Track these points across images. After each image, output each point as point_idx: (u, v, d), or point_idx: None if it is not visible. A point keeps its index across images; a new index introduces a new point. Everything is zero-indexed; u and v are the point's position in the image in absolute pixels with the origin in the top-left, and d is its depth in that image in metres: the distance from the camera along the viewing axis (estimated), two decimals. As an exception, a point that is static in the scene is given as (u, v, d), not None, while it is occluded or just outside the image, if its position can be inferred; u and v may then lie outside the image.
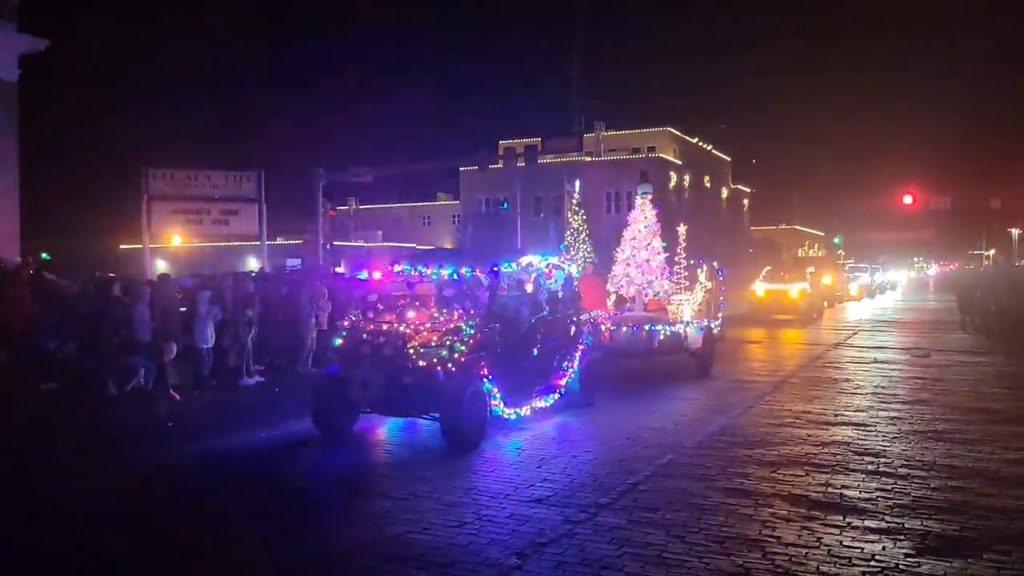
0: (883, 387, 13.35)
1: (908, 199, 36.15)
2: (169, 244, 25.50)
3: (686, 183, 57.05)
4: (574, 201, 38.80)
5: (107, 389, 11.74)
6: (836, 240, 68.83)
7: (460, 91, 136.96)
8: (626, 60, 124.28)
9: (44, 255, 21.64)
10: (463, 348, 8.99)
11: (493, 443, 9.09)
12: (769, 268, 31.75)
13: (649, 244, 15.72)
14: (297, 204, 28.27)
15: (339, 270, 23.88)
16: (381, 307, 10.30)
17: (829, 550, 5.89)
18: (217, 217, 24.15)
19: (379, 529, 6.30)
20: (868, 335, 23.01)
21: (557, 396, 10.76)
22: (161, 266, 25.63)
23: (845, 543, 6.03)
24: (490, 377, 9.23)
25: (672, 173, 55.09)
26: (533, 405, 10.28)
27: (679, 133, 58.94)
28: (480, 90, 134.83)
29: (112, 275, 17.91)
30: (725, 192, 67.67)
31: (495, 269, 9.95)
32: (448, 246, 52.75)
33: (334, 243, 31.03)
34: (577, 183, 40.42)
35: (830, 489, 7.42)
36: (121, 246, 41.31)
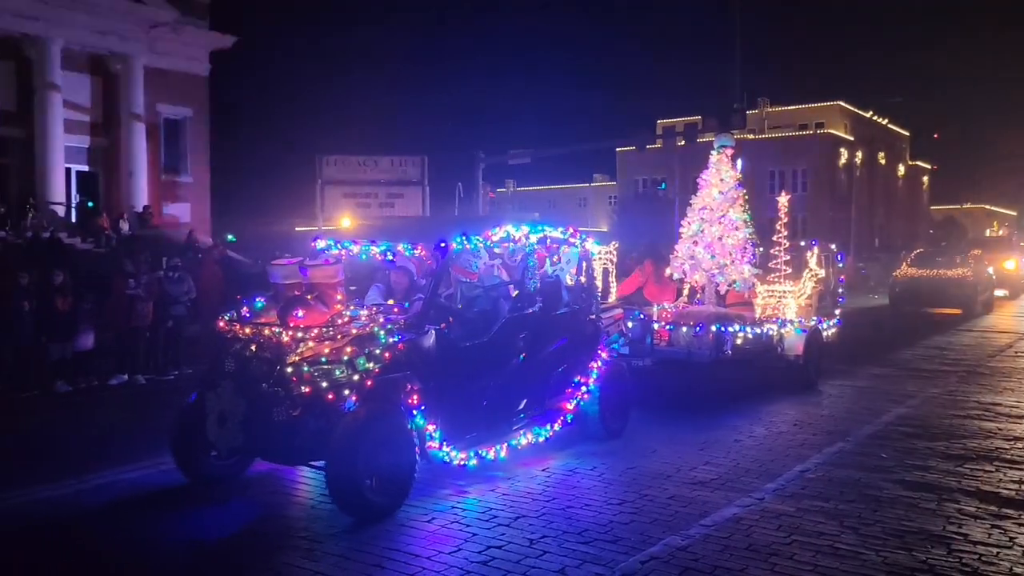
0: (1087, 380, 12.13)
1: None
2: (339, 226, 27.00)
3: (858, 160, 53.89)
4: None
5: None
6: (1030, 220, 62.99)
7: (618, 70, 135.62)
8: (793, 30, 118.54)
9: (230, 237, 23.45)
10: (371, 365, 6.15)
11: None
12: (920, 251, 27.39)
13: (724, 216, 11.92)
14: (458, 187, 29.08)
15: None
16: (263, 301, 7.22)
17: (1024, 551, 5.45)
18: (384, 200, 25.46)
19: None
20: (1068, 324, 20.94)
21: (559, 426, 7.75)
22: (332, 247, 27.24)
23: (1043, 545, 5.56)
24: (422, 406, 6.34)
25: (843, 150, 52.19)
26: (514, 442, 7.23)
27: (850, 107, 55.70)
28: (639, 68, 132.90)
29: (288, 256, 19.14)
30: (902, 169, 63.40)
31: (442, 246, 6.85)
32: (604, 228, 52.55)
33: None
34: (739, 162, 39.03)
35: (1025, 487, 6.86)
36: (297, 228, 44.05)
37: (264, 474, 7.04)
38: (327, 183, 24.96)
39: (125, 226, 22.50)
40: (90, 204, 24.22)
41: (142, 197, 24.71)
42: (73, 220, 23.34)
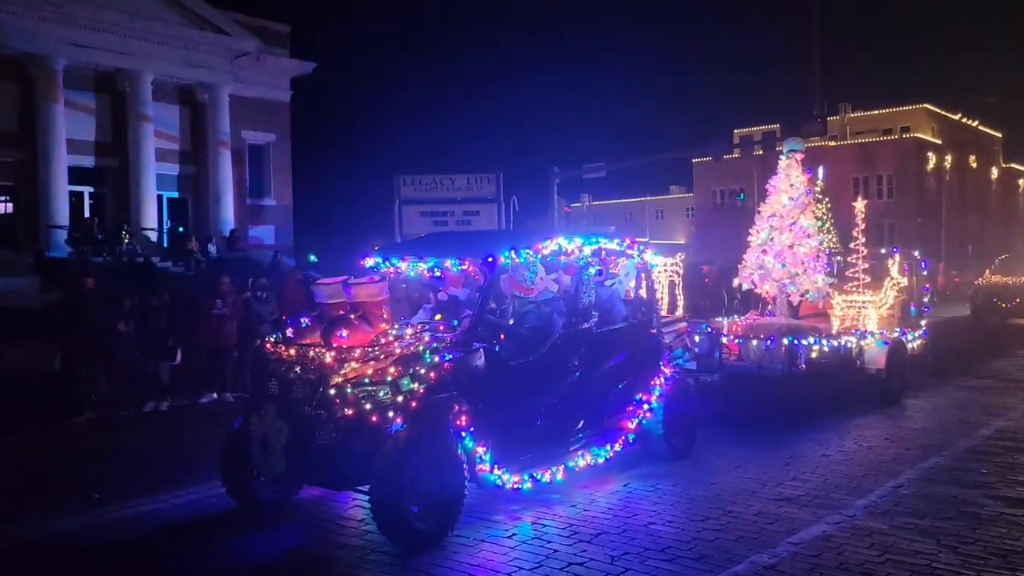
0: None
1: None
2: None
3: (947, 165, 51.89)
4: (817, 189, 36.58)
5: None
6: None
7: (694, 80, 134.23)
8: (874, 34, 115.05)
9: (312, 257, 24.01)
10: (415, 386, 5.91)
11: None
12: (1005, 256, 25.77)
13: (795, 224, 11.45)
14: (534, 202, 29.27)
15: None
16: (308, 321, 7.21)
17: None
18: (460, 218, 25.71)
19: (622, 519, 6.25)
20: None
21: (619, 446, 7.43)
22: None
23: None
24: (471, 428, 6.11)
25: (930, 154, 50.33)
26: (571, 463, 6.92)
27: (938, 110, 53.71)
28: (715, 77, 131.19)
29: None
30: (995, 172, 60.71)
31: (490, 260, 6.64)
32: (681, 240, 51.91)
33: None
34: (820, 170, 38.01)
35: None
36: (376, 248, 44.98)
37: (333, 493, 6.90)
38: (405, 202, 25.40)
39: (213, 249, 23.34)
40: (180, 229, 25.23)
41: (228, 221, 25.60)
42: (164, 245, 24.34)
